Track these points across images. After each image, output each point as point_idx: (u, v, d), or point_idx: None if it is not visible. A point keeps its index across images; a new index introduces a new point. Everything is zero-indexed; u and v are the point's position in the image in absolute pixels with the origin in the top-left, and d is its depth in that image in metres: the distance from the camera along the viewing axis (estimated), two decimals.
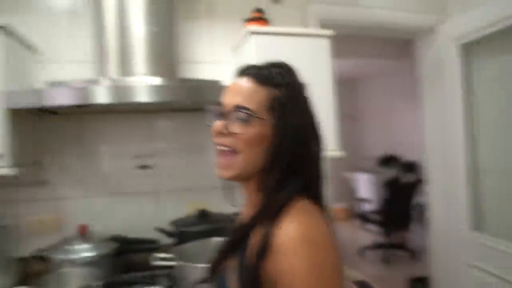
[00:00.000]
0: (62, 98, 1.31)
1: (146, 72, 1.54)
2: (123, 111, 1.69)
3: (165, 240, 1.64)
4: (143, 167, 1.78)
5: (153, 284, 1.48)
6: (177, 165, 1.83)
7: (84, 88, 1.31)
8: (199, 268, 1.24)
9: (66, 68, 1.68)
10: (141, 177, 1.78)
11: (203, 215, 1.62)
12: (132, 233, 1.68)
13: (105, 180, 1.76)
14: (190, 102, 1.53)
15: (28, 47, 1.60)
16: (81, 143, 1.74)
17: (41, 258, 1.50)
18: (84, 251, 1.45)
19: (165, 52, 1.63)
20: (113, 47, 1.54)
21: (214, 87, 1.50)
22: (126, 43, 1.54)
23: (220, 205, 1.69)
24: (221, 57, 1.89)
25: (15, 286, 1.46)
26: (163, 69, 1.58)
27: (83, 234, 1.50)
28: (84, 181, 1.75)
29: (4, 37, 1.37)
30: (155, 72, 1.54)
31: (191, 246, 1.42)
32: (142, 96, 1.33)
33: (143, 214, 1.77)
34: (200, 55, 1.88)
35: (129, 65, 1.54)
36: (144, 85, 1.35)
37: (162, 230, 1.61)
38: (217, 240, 1.43)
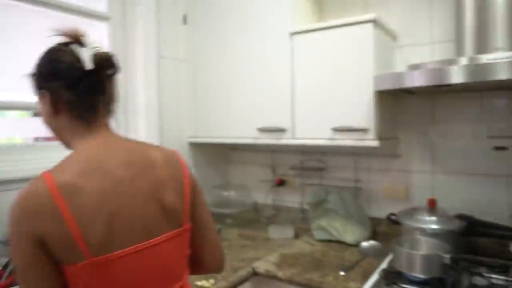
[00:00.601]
0: (419, 80, 1.41)
1: (509, 45, 1.40)
2: (479, 89, 1.61)
3: None
4: (498, 148, 1.64)
5: (504, 273, 1.40)
6: None
7: (439, 69, 1.35)
8: None
9: (423, 50, 1.77)
10: (494, 158, 1.65)
11: None
12: (479, 216, 1.62)
13: (454, 158, 1.75)
14: None
15: (390, 34, 1.79)
16: (432, 120, 1.79)
17: (392, 221, 1.72)
18: (432, 223, 1.53)
19: None
20: (470, 22, 1.48)
21: None
22: (483, 16, 1.45)
23: None
24: None
25: (369, 240, 1.76)
26: None
27: (432, 207, 1.59)
28: (433, 158, 1.81)
29: (374, 29, 1.60)
30: None
31: None
32: (503, 73, 1.23)
33: (492, 198, 1.65)
34: None
35: (487, 40, 1.44)
36: (505, 61, 1.25)
37: None
38: None
